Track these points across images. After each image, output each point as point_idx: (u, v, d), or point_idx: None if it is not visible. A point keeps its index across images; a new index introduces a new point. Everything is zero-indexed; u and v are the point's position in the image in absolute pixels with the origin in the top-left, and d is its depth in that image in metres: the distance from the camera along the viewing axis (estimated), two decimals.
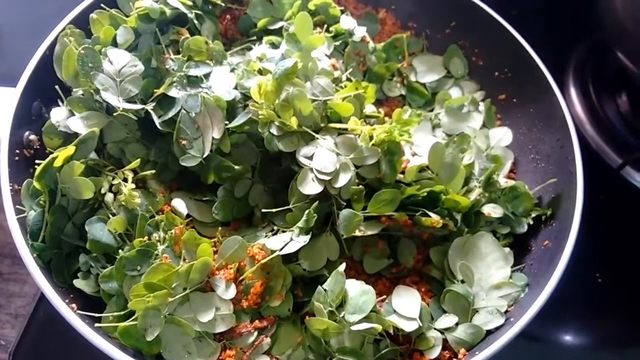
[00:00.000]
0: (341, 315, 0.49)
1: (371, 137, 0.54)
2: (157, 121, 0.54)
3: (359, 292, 0.49)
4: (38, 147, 0.56)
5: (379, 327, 0.48)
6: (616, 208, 0.79)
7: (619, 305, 0.74)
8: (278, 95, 0.53)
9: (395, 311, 0.51)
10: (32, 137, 0.55)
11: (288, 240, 0.51)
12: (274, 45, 0.63)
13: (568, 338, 0.71)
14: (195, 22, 0.62)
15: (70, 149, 0.51)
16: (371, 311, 0.49)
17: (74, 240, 0.51)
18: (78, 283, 0.50)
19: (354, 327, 0.48)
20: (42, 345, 0.64)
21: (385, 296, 0.53)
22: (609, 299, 0.74)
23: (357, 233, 0.53)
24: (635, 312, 0.74)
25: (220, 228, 0.55)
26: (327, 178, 0.52)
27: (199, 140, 0.54)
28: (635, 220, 0.79)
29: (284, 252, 0.50)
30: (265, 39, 0.64)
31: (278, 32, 0.66)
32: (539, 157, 0.66)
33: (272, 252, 0.51)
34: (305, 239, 0.50)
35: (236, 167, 0.55)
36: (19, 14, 0.88)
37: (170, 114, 0.54)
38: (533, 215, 0.61)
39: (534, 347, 0.70)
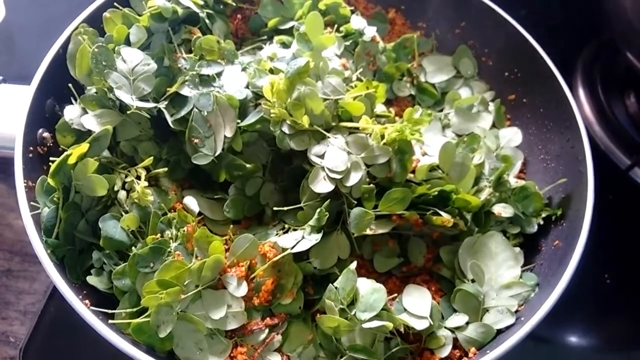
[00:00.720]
0: (352, 313, 0.49)
1: (382, 136, 0.54)
2: (169, 119, 0.54)
3: (370, 290, 0.50)
4: (51, 144, 0.56)
5: (390, 325, 0.48)
6: (624, 209, 0.79)
7: (627, 306, 0.74)
8: (290, 94, 0.54)
9: (405, 310, 0.52)
10: (46, 134, 0.56)
11: (299, 239, 0.51)
12: (285, 45, 0.64)
13: (575, 339, 0.71)
14: (207, 21, 0.63)
15: (84, 147, 0.51)
16: (382, 309, 0.49)
17: (88, 237, 0.52)
18: (91, 280, 0.50)
19: (365, 325, 0.48)
20: (52, 342, 0.64)
21: (395, 295, 0.53)
22: (617, 300, 0.74)
23: (368, 232, 0.53)
24: None
25: (231, 226, 0.55)
26: (338, 177, 0.53)
27: (211, 139, 0.54)
28: None
29: (295, 250, 0.51)
30: (276, 38, 0.65)
31: (289, 32, 0.66)
32: (549, 157, 0.66)
33: (284, 250, 0.51)
34: (316, 238, 0.51)
35: (247, 165, 0.55)
36: (32, 12, 0.89)
37: (183, 113, 0.55)
38: (543, 215, 0.61)
39: (542, 348, 0.69)
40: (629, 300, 0.74)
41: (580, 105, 0.84)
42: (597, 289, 0.73)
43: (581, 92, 0.85)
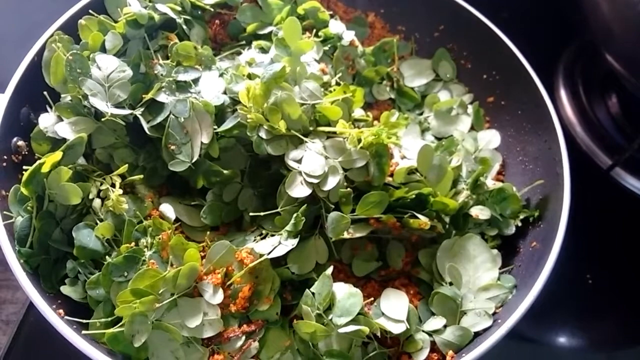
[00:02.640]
0: (329, 318, 0.49)
1: (359, 140, 0.55)
2: (145, 126, 0.54)
3: (346, 294, 0.50)
4: (26, 153, 0.56)
5: (366, 330, 0.48)
6: (606, 209, 0.79)
7: (610, 306, 0.74)
8: (266, 99, 0.54)
9: (383, 314, 0.51)
10: (21, 143, 0.55)
11: (276, 244, 0.51)
12: (263, 50, 0.64)
13: (559, 339, 0.72)
14: (184, 27, 0.62)
15: (58, 155, 0.51)
16: (359, 314, 0.49)
17: (62, 246, 0.51)
18: (65, 289, 0.50)
19: (342, 330, 0.48)
20: (33, 351, 0.64)
21: (373, 299, 0.53)
22: (599, 300, 0.74)
23: (346, 235, 0.53)
24: (625, 313, 0.74)
25: (209, 232, 0.55)
26: (315, 181, 0.52)
27: (188, 145, 0.54)
28: (625, 221, 0.79)
29: (272, 255, 0.50)
30: (254, 43, 0.64)
31: (267, 37, 0.66)
32: (527, 159, 0.67)
33: (261, 256, 0.51)
34: (293, 243, 0.51)
35: (225, 171, 0.55)
36: (7, 20, 0.88)
37: (159, 119, 0.54)
38: (521, 216, 0.61)
39: (525, 348, 0.70)
40: (611, 300, 0.75)
41: (562, 107, 0.84)
42: (579, 289, 0.74)
43: (563, 93, 0.86)
